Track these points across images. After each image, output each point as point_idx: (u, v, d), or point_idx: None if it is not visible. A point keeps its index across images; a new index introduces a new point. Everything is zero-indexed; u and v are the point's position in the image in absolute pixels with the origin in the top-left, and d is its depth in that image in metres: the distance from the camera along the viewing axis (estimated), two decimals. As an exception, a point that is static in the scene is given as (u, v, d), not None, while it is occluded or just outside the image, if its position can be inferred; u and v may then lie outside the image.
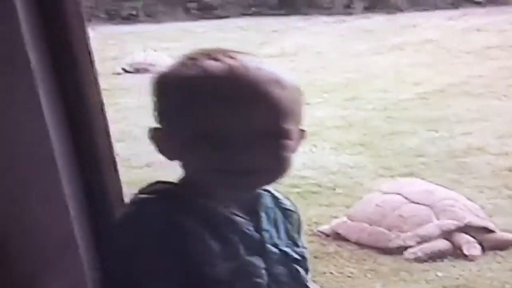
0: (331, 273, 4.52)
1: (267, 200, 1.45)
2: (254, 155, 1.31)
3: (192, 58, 1.36)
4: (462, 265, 4.53)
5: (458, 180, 5.79)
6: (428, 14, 13.59)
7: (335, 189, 5.80)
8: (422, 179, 5.53)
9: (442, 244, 4.70)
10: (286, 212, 1.49)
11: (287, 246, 1.45)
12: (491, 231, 4.77)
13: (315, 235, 5.00)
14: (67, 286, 1.67)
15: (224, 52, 1.36)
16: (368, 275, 4.50)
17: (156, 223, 1.31)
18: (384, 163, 6.34)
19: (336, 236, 4.97)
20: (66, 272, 1.48)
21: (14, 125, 1.71)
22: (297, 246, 1.48)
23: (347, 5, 15.01)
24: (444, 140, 6.84)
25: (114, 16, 15.58)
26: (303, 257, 1.48)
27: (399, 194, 5.06)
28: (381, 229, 4.86)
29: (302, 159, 6.20)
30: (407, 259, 4.65)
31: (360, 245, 4.86)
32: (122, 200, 1.71)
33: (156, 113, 1.39)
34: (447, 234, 4.75)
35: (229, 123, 1.30)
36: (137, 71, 10.27)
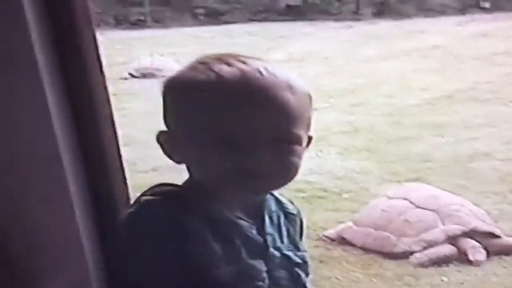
0: (336, 278, 4.52)
1: (271, 204, 1.46)
2: (264, 160, 1.30)
3: (203, 63, 1.36)
4: (467, 270, 4.53)
5: (464, 185, 5.80)
6: (435, 20, 13.60)
7: (341, 194, 5.81)
8: (428, 184, 5.53)
9: (448, 249, 4.71)
10: (289, 216, 1.49)
11: (289, 250, 1.45)
12: (496, 236, 4.78)
13: (321, 239, 5.01)
14: (71, 287, 1.69)
15: (236, 57, 1.36)
16: (374, 280, 4.51)
17: (160, 224, 1.32)
18: (390, 168, 6.35)
19: (342, 241, 4.97)
20: (70, 272, 1.49)
21: (19, 125, 1.72)
22: (299, 250, 1.48)
23: (354, 11, 15.04)
24: (451, 145, 6.85)
25: (122, 22, 15.64)
26: (304, 261, 1.47)
27: (405, 199, 5.06)
28: (387, 234, 4.87)
29: (308, 164, 6.21)
30: (413, 264, 4.65)
31: (366, 250, 4.86)
32: (128, 201, 1.72)
33: (165, 116, 1.39)
34: (452, 239, 4.76)
35: (240, 127, 1.30)
36: (144, 76, 10.30)
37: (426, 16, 14.24)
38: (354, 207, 5.46)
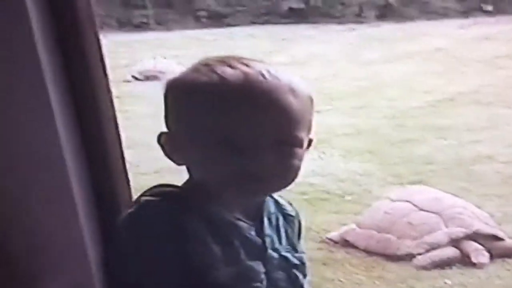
0: (339, 280, 4.53)
1: (270, 206, 1.46)
2: (266, 162, 1.31)
3: (206, 65, 1.36)
4: (470, 273, 4.53)
5: (467, 188, 5.80)
6: (438, 23, 13.60)
7: (344, 196, 5.81)
8: (431, 186, 5.53)
9: (451, 252, 4.71)
10: (288, 218, 1.50)
11: (287, 252, 1.46)
12: (499, 239, 4.77)
13: (324, 242, 5.01)
14: (72, 287, 1.70)
15: (239, 59, 1.36)
16: (377, 282, 4.51)
17: (159, 225, 1.32)
18: (393, 170, 6.36)
19: (345, 243, 4.98)
20: (71, 272, 1.49)
21: (22, 125, 1.72)
22: (297, 251, 1.48)
23: (357, 14, 15.04)
24: (453, 148, 6.85)
25: (125, 24, 15.65)
26: (302, 262, 1.48)
27: (408, 201, 5.06)
28: (390, 236, 4.87)
29: (311, 166, 6.22)
30: (416, 267, 4.65)
31: (369, 252, 4.86)
32: (131, 203, 1.73)
33: (167, 118, 1.40)
34: (455, 242, 4.75)
35: (242, 130, 1.30)
36: (147, 78, 10.31)
37: (429, 19, 14.24)
38: (357, 209, 5.46)
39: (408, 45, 11.83)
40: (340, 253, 4.88)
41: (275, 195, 1.48)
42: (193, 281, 1.32)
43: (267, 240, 1.42)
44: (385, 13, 14.88)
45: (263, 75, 1.32)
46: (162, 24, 15.71)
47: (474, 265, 4.59)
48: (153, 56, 11.30)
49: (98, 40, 1.80)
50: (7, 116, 1.72)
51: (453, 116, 7.91)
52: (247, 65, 1.34)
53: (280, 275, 1.42)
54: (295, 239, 1.50)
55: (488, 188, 5.78)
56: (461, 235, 4.76)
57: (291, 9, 15.23)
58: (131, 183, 1.84)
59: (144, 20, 15.90)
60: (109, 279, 1.38)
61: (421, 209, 4.96)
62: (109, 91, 1.86)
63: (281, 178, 1.35)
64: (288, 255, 1.45)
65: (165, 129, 1.42)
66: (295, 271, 1.45)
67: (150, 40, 13.84)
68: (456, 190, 5.58)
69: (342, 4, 15.33)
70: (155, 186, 1.44)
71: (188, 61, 1.46)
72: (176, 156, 1.39)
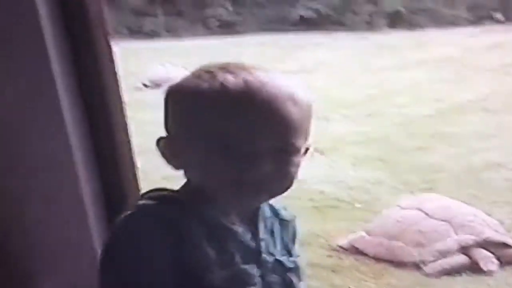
0: (348, 287, 4.53)
1: (266, 210, 1.47)
2: (263, 169, 1.32)
3: (208, 71, 1.37)
4: (479, 280, 4.53)
5: (477, 195, 5.79)
6: (448, 31, 13.60)
7: (353, 204, 5.81)
8: (441, 194, 5.53)
9: (460, 259, 4.70)
10: (283, 222, 1.51)
11: (282, 255, 1.47)
12: (509, 246, 4.77)
13: (333, 249, 5.02)
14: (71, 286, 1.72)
15: (240, 67, 1.37)
16: (386, 290, 4.52)
17: (155, 228, 1.33)
18: (403, 178, 6.36)
19: (354, 251, 4.98)
20: (80, 274, 1.51)
21: (34, 132, 1.75)
22: (292, 255, 1.50)
23: (368, 22, 15.06)
24: (463, 155, 6.85)
25: (136, 32, 15.71)
26: (297, 266, 1.49)
27: (418, 209, 5.06)
28: (400, 243, 4.87)
29: (321, 174, 6.23)
30: (425, 274, 4.65)
31: (378, 259, 4.86)
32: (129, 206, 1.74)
33: (167, 122, 1.41)
34: (465, 249, 4.75)
35: (241, 137, 1.31)
36: (157, 86, 10.35)
37: (439, 27, 14.24)
38: (366, 217, 5.46)
39: (418, 53, 11.83)
40: (349, 260, 4.89)
41: (270, 200, 1.49)
42: (188, 284, 1.33)
43: (262, 244, 1.43)
44: (395, 22, 14.90)
45: (263, 83, 1.33)
46: (173, 32, 15.77)
47: (483, 272, 4.59)
48: (163, 63, 11.34)
49: (110, 47, 1.82)
50: (19, 122, 1.75)
51: (463, 123, 7.91)
52: (248, 73, 1.35)
53: (274, 278, 1.43)
54: (290, 243, 1.51)
55: (498, 196, 5.77)
56: (471, 242, 4.75)
57: (301, 17, 15.26)
58: (141, 188, 1.86)
59: (155, 28, 15.96)
60: (104, 280, 1.38)
61: (431, 217, 4.96)
62: (120, 98, 1.88)
63: (277, 184, 1.37)
64: (283, 259, 1.46)
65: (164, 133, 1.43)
66: (290, 275, 1.46)
67: (160, 48, 13.89)
68: (466, 197, 5.57)
69: (353, 12, 15.35)
70: (151, 190, 1.45)
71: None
72: (175, 161, 1.40)
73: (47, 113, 1.76)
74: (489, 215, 5.07)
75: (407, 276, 4.65)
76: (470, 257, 4.71)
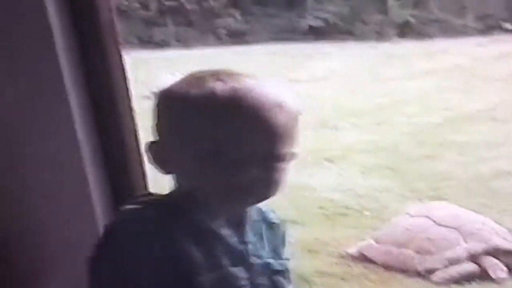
0: (357, 295, 4.54)
1: (253, 213, 1.49)
2: (250, 176, 1.35)
3: (198, 78, 1.40)
4: (489, 288, 4.53)
5: (486, 203, 5.78)
6: (457, 41, 13.57)
7: (362, 212, 5.82)
8: (450, 202, 5.52)
9: (470, 267, 4.70)
10: (271, 225, 1.54)
11: (271, 258, 1.49)
12: (518, 254, 4.77)
13: (342, 257, 5.02)
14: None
15: (230, 74, 1.40)
16: (395, 297, 4.52)
17: (142, 232, 1.36)
18: (412, 186, 6.36)
19: (363, 258, 4.98)
20: (83, 275, 1.53)
21: (45, 137, 1.77)
22: (281, 258, 1.52)
23: (377, 32, 15.06)
24: (472, 164, 6.84)
25: (146, 42, 15.73)
26: (286, 268, 1.51)
27: (426, 217, 5.06)
28: (408, 251, 4.87)
29: (330, 182, 6.25)
30: (434, 282, 4.65)
31: (387, 267, 4.87)
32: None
33: (157, 127, 1.43)
34: (474, 257, 4.75)
35: (228, 144, 1.34)
36: (167, 95, 10.37)
37: (448, 37, 14.21)
38: (375, 224, 5.47)
39: (427, 63, 11.82)
40: (358, 268, 4.89)
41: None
42: (177, 287, 1.36)
43: (250, 246, 1.45)
44: (404, 31, 14.88)
45: (251, 91, 1.36)
46: (183, 41, 15.78)
47: (492, 280, 4.59)
48: (172, 72, 11.36)
49: (121, 57, 1.85)
50: (30, 127, 1.77)
51: (472, 132, 7.90)
52: (237, 80, 1.37)
53: (263, 281, 1.46)
54: (279, 246, 1.53)
55: (507, 204, 5.76)
56: (480, 250, 4.76)
57: (310, 27, 15.27)
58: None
59: (165, 38, 15.99)
60: (93, 282, 1.40)
61: (440, 225, 4.96)
62: (131, 106, 1.91)
63: (264, 190, 1.40)
64: (271, 261, 1.49)
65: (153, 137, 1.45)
66: (278, 277, 1.49)
67: (170, 57, 13.90)
68: (475, 206, 5.57)
69: (362, 22, 15.35)
70: (140, 195, 1.50)
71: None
72: (164, 165, 1.43)
73: (58, 119, 1.78)
74: (499, 223, 5.06)
75: (415, 284, 4.65)
76: (479, 265, 4.71)
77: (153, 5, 16.09)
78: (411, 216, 5.17)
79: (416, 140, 7.77)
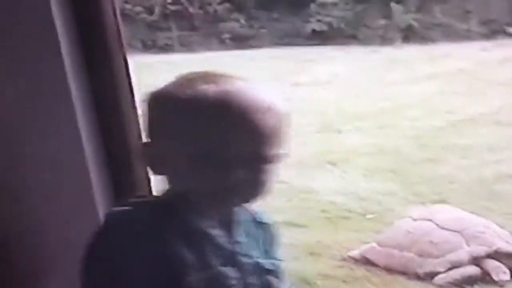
0: (360, 298, 4.55)
1: (243, 214, 1.51)
2: (239, 177, 1.37)
3: (188, 79, 1.42)
4: (491, 291, 4.53)
5: (489, 207, 5.79)
6: (461, 45, 13.56)
7: (365, 215, 5.83)
8: (453, 206, 5.53)
9: (472, 270, 4.71)
10: (261, 225, 1.56)
11: (260, 258, 1.50)
12: (521, 258, 4.77)
13: (345, 260, 5.03)
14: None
15: (220, 76, 1.41)
16: (397, 300, 4.52)
17: (132, 232, 1.38)
18: (415, 190, 6.36)
19: (365, 261, 4.99)
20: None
21: (45, 132, 1.79)
22: (271, 257, 1.53)
23: (381, 36, 15.06)
24: (475, 167, 6.85)
25: (150, 46, 15.75)
26: (277, 268, 1.53)
27: (429, 220, 5.07)
28: (411, 254, 4.88)
29: (333, 185, 6.26)
30: (437, 285, 4.65)
31: (389, 270, 4.87)
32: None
33: (148, 129, 1.44)
34: (477, 260, 4.76)
35: (217, 145, 1.35)
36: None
37: (452, 41, 14.20)
38: (378, 228, 5.47)
39: (431, 67, 11.81)
40: (361, 271, 4.90)
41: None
42: (167, 286, 1.37)
43: (239, 246, 1.47)
44: (408, 36, 14.88)
45: (240, 93, 1.37)
46: (186, 46, 15.80)
47: (495, 283, 4.59)
48: (175, 76, 11.38)
49: (126, 61, 1.87)
50: (31, 127, 1.79)
51: (475, 136, 7.91)
52: (226, 82, 1.39)
53: (253, 280, 1.47)
54: (269, 246, 1.55)
55: (510, 207, 5.76)
56: (483, 253, 4.76)
57: (314, 31, 15.28)
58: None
59: (169, 42, 16.01)
60: (85, 280, 1.42)
61: (443, 228, 4.97)
62: (134, 107, 1.92)
63: (251, 191, 1.42)
64: (261, 261, 1.50)
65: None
66: (269, 276, 1.50)
67: (174, 61, 13.92)
68: (478, 209, 5.58)
69: (365, 26, 15.36)
70: (131, 197, 1.51)
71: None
72: (155, 167, 1.45)
73: (61, 119, 1.80)
74: (502, 227, 5.07)
75: (419, 287, 4.65)
76: (481, 268, 4.71)
77: (157, 9, 16.12)
78: (414, 219, 5.17)
79: (419, 144, 7.78)
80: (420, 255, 4.85)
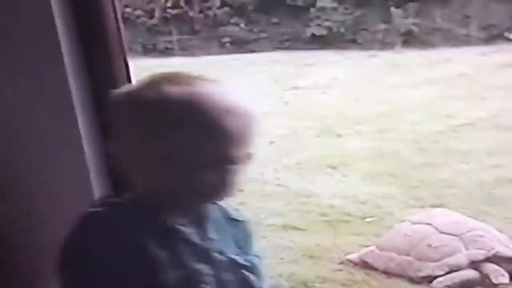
0: (359, 301, 4.55)
1: (214, 211, 1.52)
2: (204, 179, 1.38)
3: (154, 81, 1.42)
4: (490, 294, 4.53)
5: (488, 211, 5.79)
6: (460, 49, 13.57)
7: (364, 219, 5.83)
8: (452, 210, 5.53)
9: (471, 274, 4.71)
10: (234, 222, 1.57)
11: (236, 254, 1.51)
12: (520, 262, 4.77)
13: (344, 263, 5.03)
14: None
15: (186, 78, 1.42)
16: (396, 304, 4.52)
17: (104, 233, 1.38)
18: (414, 194, 6.37)
19: (365, 265, 4.99)
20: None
21: (46, 133, 1.79)
22: (246, 254, 1.54)
23: (380, 40, 15.07)
24: (475, 172, 6.85)
25: (150, 50, 15.77)
26: (253, 264, 1.54)
27: (428, 224, 5.08)
28: (410, 258, 4.88)
29: (332, 189, 6.26)
30: (436, 289, 4.66)
31: (388, 274, 4.88)
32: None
33: (113, 129, 1.45)
34: (476, 264, 4.76)
35: (182, 148, 1.36)
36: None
37: (451, 46, 14.21)
38: (377, 231, 5.48)
39: (430, 71, 11.82)
40: (360, 275, 4.90)
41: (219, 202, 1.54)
42: (143, 285, 1.37)
43: (212, 243, 1.48)
44: (408, 40, 14.89)
45: (205, 96, 1.37)
46: (187, 50, 15.81)
47: (494, 286, 4.59)
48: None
49: (127, 65, 1.87)
50: (31, 127, 1.79)
51: (474, 140, 7.91)
52: (192, 84, 1.39)
53: (229, 276, 1.48)
54: (244, 243, 1.56)
55: (509, 211, 5.76)
56: (482, 257, 4.76)
57: (314, 35, 15.29)
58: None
59: (169, 46, 16.03)
60: (63, 280, 1.42)
61: (442, 232, 4.98)
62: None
63: (219, 191, 1.43)
64: (236, 257, 1.51)
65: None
66: (245, 272, 1.51)
67: (174, 65, 13.94)
68: (477, 213, 5.58)
69: (365, 30, 15.38)
70: (101, 198, 1.53)
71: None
72: (122, 167, 1.45)
73: (62, 120, 1.80)
74: (501, 231, 5.07)
75: (417, 291, 4.66)
76: (480, 272, 4.71)
77: (157, 13, 16.14)
78: (413, 223, 5.18)
79: (418, 148, 7.78)
80: (419, 259, 4.85)
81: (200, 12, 16.12)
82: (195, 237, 1.45)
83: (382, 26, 15.19)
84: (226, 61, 14.00)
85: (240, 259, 1.51)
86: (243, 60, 14.03)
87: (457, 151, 7.55)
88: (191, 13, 16.12)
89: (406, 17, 14.99)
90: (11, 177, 1.82)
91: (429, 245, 4.90)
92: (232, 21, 16.01)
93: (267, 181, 6.69)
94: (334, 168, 7.09)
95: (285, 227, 5.44)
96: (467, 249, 4.83)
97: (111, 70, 1.86)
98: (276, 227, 5.48)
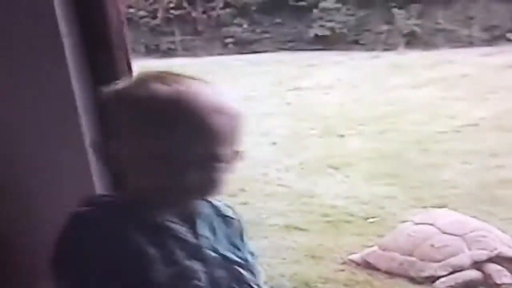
0: (361, 301, 4.55)
1: (205, 208, 1.53)
2: (191, 176, 1.39)
3: (143, 79, 1.43)
4: (493, 294, 4.53)
5: (491, 212, 5.79)
6: (463, 50, 13.57)
7: (367, 219, 5.83)
8: (455, 210, 5.53)
9: (474, 274, 4.71)
10: (226, 219, 1.57)
11: (228, 251, 1.52)
12: (522, 262, 4.77)
13: (346, 263, 5.04)
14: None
15: (175, 77, 1.43)
16: (398, 304, 4.53)
17: (95, 232, 1.39)
18: (417, 194, 6.37)
19: (367, 265, 4.99)
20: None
21: (47, 133, 1.80)
22: (239, 250, 1.55)
23: (383, 41, 15.08)
24: (477, 172, 6.85)
25: (153, 51, 15.79)
26: (246, 261, 1.54)
27: (431, 224, 5.07)
28: (412, 258, 4.88)
29: (334, 189, 6.27)
30: (438, 289, 4.66)
31: (391, 274, 4.88)
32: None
33: (103, 126, 1.47)
34: (478, 265, 4.76)
35: (169, 145, 1.37)
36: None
37: (454, 47, 14.22)
38: (379, 231, 5.48)
39: (433, 72, 11.83)
40: (362, 275, 4.90)
41: (211, 199, 1.55)
42: (135, 283, 1.38)
43: (203, 240, 1.48)
44: (411, 41, 14.90)
45: (192, 94, 1.39)
46: (190, 50, 15.83)
47: (497, 286, 4.59)
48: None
49: (130, 66, 1.88)
50: (31, 127, 1.80)
51: (477, 141, 7.91)
52: (180, 83, 1.40)
53: (221, 273, 1.48)
54: (236, 239, 1.57)
55: (512, 212, 5.78)
56: (484, 257, 4.76)
57: (317, 36, 15.30)
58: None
59: (172, 46, 16.05)
60: (56, 278, 1.43)
61: (444, 232, 4.97)
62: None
63: (206, 188, 1.44)
64: (228, 253, 1.51)
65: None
66: (238, 269, 1.51)
67: (177, 65, 13.95)
68: (480, 214, 5.57)
69: (368, 31, 15.38)
70: (92, 197, 1.53)
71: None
72: (110, 164, 1.47)
73: (64, 121, 1.81)
74: (503, 231, 5.07)
75: (420, 291, 4.66)
76: (483, 272, 4.71)
77: (160, 14, 16.16)
78: (416, 223, 5.18)
79: (421, 148, 7.79)
80: (422, 259, 4.85)
81: (203, 12, 16.14)
82: (185, 234, 1.46)
83: (385, 27, 15.20)
84: (229, 62, 14.02)
85: (232, 256, 1.52)
86: (246, 61, 14.04)
87: (459, 151, 7.54)
88: (194, 14, 16.14)
89: (409, 18, 14.99)
90: (11, 177, 1.82)
91: (432, 246, 4.90)
92: (235, 21, 16.03)
93: (269, 181, 6.71)
94: (336, 168, 7.10)
95: (287, 227, 5.45)
96: (470, 249, 4.83)
97: (114, 71, 1.86)
98: (278, 227, 5.49)
